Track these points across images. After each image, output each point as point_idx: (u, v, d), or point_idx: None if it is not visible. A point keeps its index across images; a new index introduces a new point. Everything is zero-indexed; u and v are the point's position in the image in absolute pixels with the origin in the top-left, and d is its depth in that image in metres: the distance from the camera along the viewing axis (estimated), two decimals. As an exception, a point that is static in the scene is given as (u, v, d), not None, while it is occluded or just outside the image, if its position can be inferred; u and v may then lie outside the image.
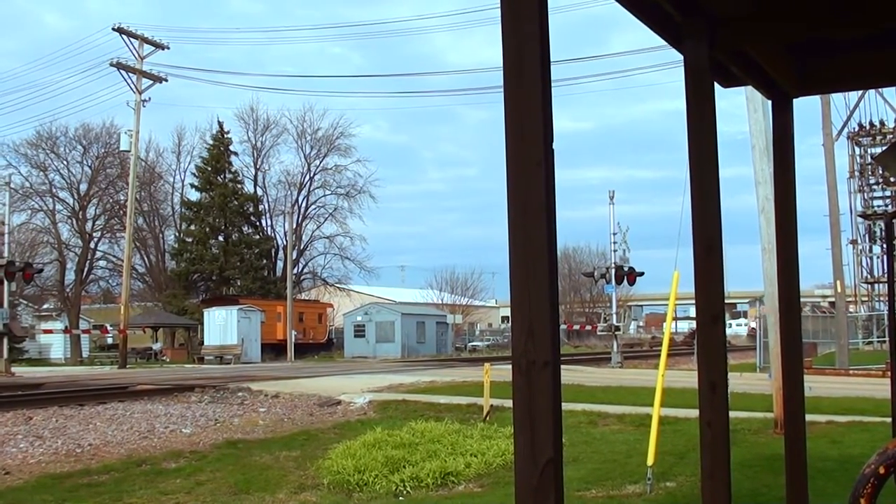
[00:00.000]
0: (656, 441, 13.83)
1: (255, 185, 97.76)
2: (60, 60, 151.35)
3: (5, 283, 51.20)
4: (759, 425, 19.08)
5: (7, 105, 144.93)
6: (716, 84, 5.04)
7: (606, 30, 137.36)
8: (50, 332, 77.01)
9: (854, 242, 71.80)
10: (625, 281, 53.51)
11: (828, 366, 39.30)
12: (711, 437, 4.65)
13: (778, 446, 7.62)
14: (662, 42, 4.80)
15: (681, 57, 4.68)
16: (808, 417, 6.64)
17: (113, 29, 63.69)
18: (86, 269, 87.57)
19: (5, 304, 51.56)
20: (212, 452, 19.27)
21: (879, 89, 54.97)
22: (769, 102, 6.31)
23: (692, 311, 6.22)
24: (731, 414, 5.69)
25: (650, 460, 13.68)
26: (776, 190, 6.15)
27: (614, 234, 52.56)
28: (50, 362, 73.30)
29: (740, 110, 19.73)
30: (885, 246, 73.70)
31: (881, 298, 71.31)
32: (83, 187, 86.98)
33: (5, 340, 51.05)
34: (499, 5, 3.01)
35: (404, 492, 15.08)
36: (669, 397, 15.71)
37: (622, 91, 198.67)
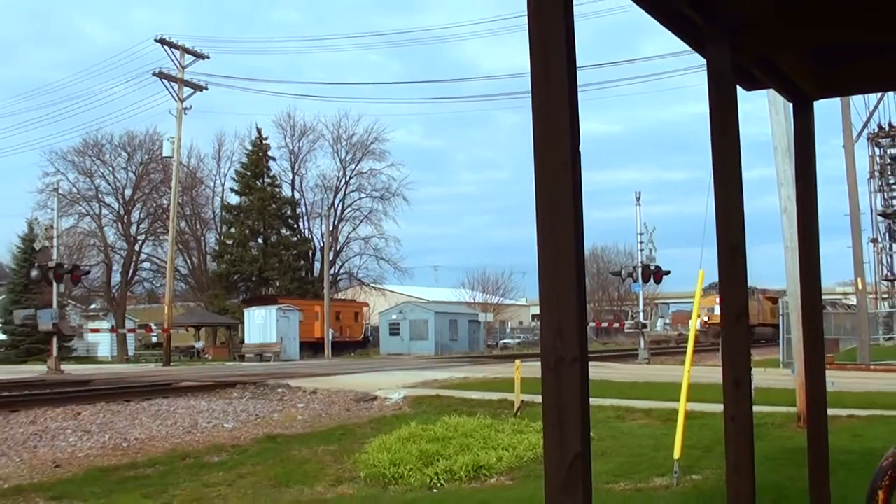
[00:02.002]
0: (683, 435, 13.78)
1: (293, 188, 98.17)
2: (106, 71, 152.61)
3: (54, 284, 51.46)
4: (782, 420, 18.98)
5: (55, 114, 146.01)
6: (738, 87, 5.02)
7: (636, 35, 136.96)
8: (97, 331, 77.48)
9: (875, 241, 71.42)
10: (651, 279, 53.37)
11: (849, 361, 39.05)
12: (736, 432, 4.63)
13: (801, 440, 7.58)
14: (688, 47, 4.78)
15: (704, 61, 4.66)
16: (830, 412, 6.60)
17: (155, 40, 64.02)
18: (131, 271, 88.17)
19: (54, 305, 51.83)
20: (252, 446, 19.32)
21: (898, 92, 54.61)
22: (790, 105, 6.28)
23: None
24: (755, 409, 5.66)
25: (677, 454, 13.63)
26: (798, 190, 6.11)
27: (641, 234, 52.39)
28: (97, 360, 73.81)
29: (763, 113, 19.59)
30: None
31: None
32: (128, 192, 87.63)
33: (55, 339, 51.33)
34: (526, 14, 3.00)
35: (438, 485, 15.08)
36: (695, 392, 15.64)
37: (651, 94, 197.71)
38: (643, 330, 53.35)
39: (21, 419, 22.81)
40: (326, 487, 15.49)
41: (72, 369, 51.14)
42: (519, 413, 21.69)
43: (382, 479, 15.52)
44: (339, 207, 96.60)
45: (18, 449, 18.75)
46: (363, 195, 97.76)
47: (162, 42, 64.02)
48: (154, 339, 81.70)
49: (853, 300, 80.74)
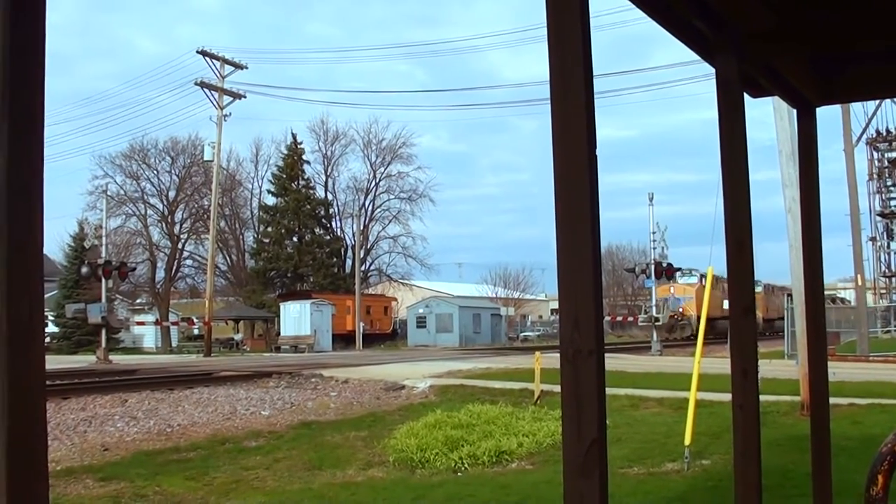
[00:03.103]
0: (693, 423, 13.77)
1: (326, 190, 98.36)
2: (152, 81, 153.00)
3: (103, 280, 51.68)
4: (787, 408, 18.92)
5: (104, 121, 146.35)
6: (745, 95, 5.01)
7: (649, 46, 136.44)
8: (143, 324, 77.76)
9: (873, 239, 71.07)
10: (663, 275, 53.24)
11: (850, 353, 38.88)
12: (743, 419, 4.62)
13: (804, 427, 7.55)
14: (697, 56, 4.78)
15: (713, 70, 4.65)
16: (832, 400, 6.58)
17: (197, 52, 64.18)
18: (174, 268, 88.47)
19: (103, 299, 52.03)
20: (288, 432, 19.37)
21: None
22: (794, 111, 6.26)
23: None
24: (762, 397, 5.64)
25: (687, 440, 13.61)
26: (801, 191, 6.10)
27: (654, 232, 52.28)
28: (143, 351, 73.99)
29: (769, 118, 19.55)
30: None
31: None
32: (171, 194, 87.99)
33: (103, 331, 51.53)
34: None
35: (462, 468, 15.09)
36: (705, 382, 15.60)
37: (663, 102, 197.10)
38: (656, 323, 53.16)
39: (72, 406, 22.92)
40: (357, 471, 15.52)
41: (119, 359, 51.35)
42: (539, 402, 21.67)
43: (410, 464, 15.55)
44: (370, 208, 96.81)
45: (70, 433, 18.84)
46: (392, 196, 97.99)
47: (203, 54, 64.17)
48: (196, 332, 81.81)
49: (843, 294, 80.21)
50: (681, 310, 75.53)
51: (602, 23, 53.81)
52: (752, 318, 4.75)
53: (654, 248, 52.62)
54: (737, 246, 4.67)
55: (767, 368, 21.59)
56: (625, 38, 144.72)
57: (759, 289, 75.14)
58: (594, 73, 3.02)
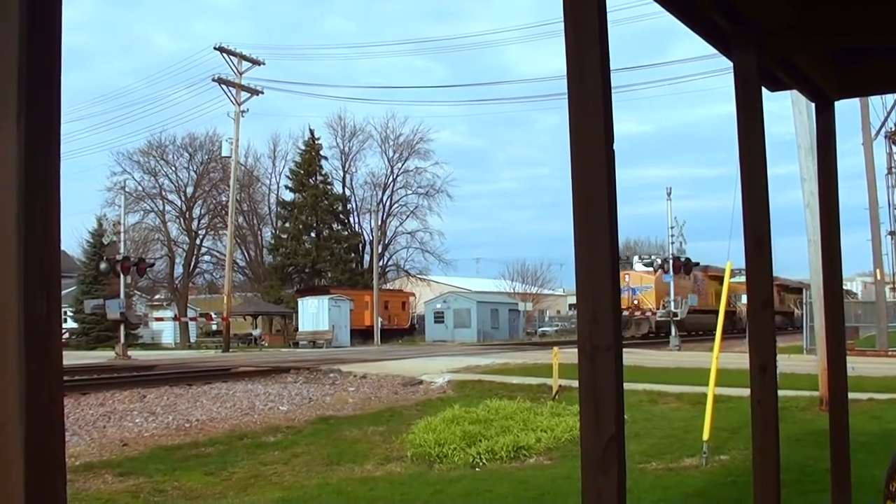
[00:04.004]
0: (711, 418, 13.74)
1: (344, 186, 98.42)
2: (169, 77, 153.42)
3: (121, 276, 51.89)
4: (805, 403, 18.88)
5: (122, 118, 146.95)
6: (763, 89, 4.99)
7: (667, 40, 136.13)
8: (161, 319, 78.05)
9: (893, 234, 70.67)
10: (682, 270, 53.12)
11: (869, 348, 38.75)
12: (762, 414, 4.60)
13: (823, 422, 7.53)
14: (715, 51, 4.76)
15: (731, 64, 4.63)
16: (851, 395, 6.56)
17: (214, 48, 64.32)
18: (192, 264, 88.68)
19: (122, 295, 52.24)
20: (306, 428, 19.40)
21: (915, 92, 54.03)
22: (813, 105, 6.24)
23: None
24: (780, 393, 5.63)
25: (706, 435, 13.59)
26: (820, 186, 6.08)
27: (672, 227, 52.18)
28: (161, 347, 74.24)
29: (788, 112, 19.50)
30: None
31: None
32: (189, 190, 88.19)
33: (122, 327, 51.74)
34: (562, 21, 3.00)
35: (480, 463, 15.10)
36: (723, 378, 15.60)
37: (681, 96, 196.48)
38: (674, 318, 52.99)
39: (91, 401, 23.01)
40: (376, 466, 15.54)
41: (138, 355, 51.54)
42: (557, 397, 21.67)
43: (428, 458, 15.56)
44: (387, 203, 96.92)
45: (89, 429, 18.92)
46: (409, 192, 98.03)
47: (221, 50, 64.31)
48: (214, 327, 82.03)
49: (849, 286, 79.63)
50: (636, 302, 69.16)
51: (619, 17, 53.73)
52: (771, 313, 4.73)
53: (672, 243, 52.51)
54: (755, 240, 4.65)
55: (786, 363, 21.58)
56: (643, 33, 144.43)
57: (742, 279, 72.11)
58: (612, 67, 3.02)
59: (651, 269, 65.99)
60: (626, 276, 67.16)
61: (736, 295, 63.91)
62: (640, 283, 69.66)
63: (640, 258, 69.32)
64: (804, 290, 67.06)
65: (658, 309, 66.20)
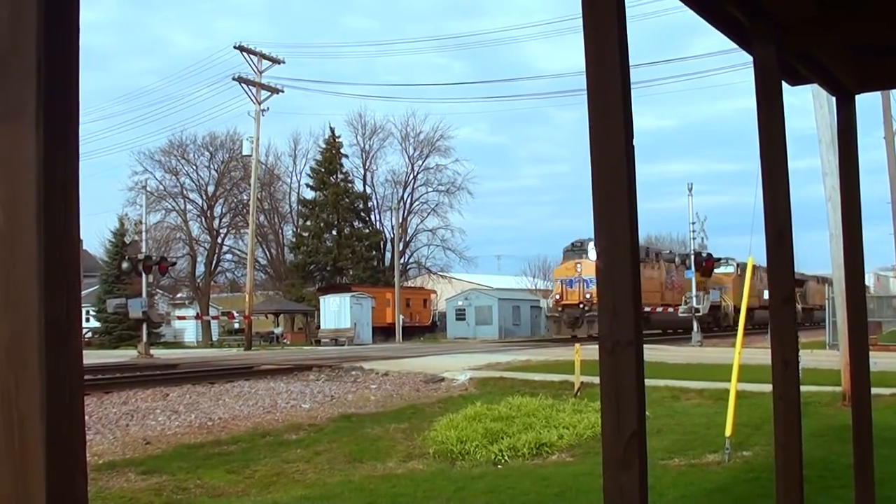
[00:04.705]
0: (734, 414, 13.70)
1: (364, 184, 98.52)
2: (190, 76, 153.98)
3: (143, 275, 52.05)
4: (828, 398, 18.81)
5: (143, 117, 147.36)
6: (784, 83, 4.97)
7: (687, 35, 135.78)
8: (183, 318, 78.27)
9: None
10: (703, 265, 52.93)
11: (892, 343, 38.57)
12: (784, 410, 4.59)
13: (846, 417, 7.50)
14: (735, 45, 4.75)
15: (751, 58, 4.62)
16: (874, 391, 6.54)
17: (234, 47, 64.40)
18: (214, 262, 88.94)
19: (144, 294, 52.41)
20: (328, 425, 19.43)
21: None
22: (833, 99, 6.22)
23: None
24: (803, 388, 5.61)
25: (728, 431, 13.55)
26: (841, 180, 6.06)
27: (693, 223, 51.96)
28: (183, 345, 74.50)
29: (809, 106, 19.44)
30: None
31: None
32: (210, 189, 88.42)
33: (144, 326, 51.92)
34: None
35: (502, 460, 15.09)
36: (745, 373, 15.53)
37: (701, 91, 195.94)
38: (696, 314, 52.74)
39: (114, 400, 23.09)
40: (398, 463, 15.56)
41: (160, 354, 51.70)
42: (579, 393, 21.64)
43: (450, 456, 15.57)
44: (408, 201, 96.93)
45: (112, 427, 18.98)
46: (430, 189, 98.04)
47: (241, 49, 64.41)
48: (236, 326, 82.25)
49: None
50: (588, 295, 57.38)
51: (638, 13, 53.62)
52: (793, 308, 4.72)
53: (694, 239, 52.30)
54: (776, 235, 4.64)
55: (808, 358, 21.49)
56: (662, 29, 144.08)
57: (729, 269, 66.61)
58: (631, 63, 3.01)
59: None
60: (579, 265, 60.93)
61: (723, 288, 62.23)
62: (594, 274, 63.87)
63: (594, 245, 64.70)
64: (805, 283, 65.94)
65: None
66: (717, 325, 63.43)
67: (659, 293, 63.21)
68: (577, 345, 23.89)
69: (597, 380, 3.26)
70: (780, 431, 4.59)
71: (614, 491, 2.91)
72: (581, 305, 58.83)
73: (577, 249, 62.40)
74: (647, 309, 57.57)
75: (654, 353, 32.53)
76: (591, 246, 57.95)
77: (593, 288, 53.09)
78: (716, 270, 57.10)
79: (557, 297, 62.20)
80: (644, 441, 2.94)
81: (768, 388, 4.83)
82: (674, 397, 20.93)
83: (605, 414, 2.96)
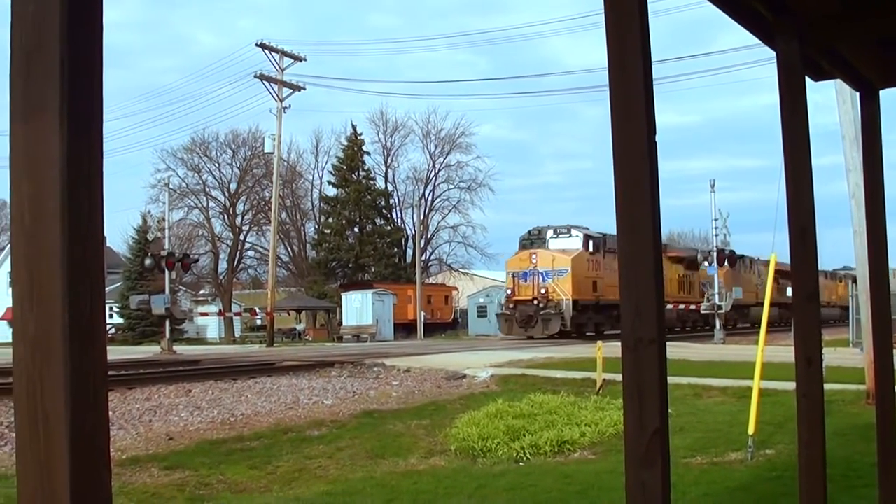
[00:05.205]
0: (757, 412, 13.65)
1: (386, 181, 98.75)
2: (212, 74, 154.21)
3: (166, 271, 52.27)
4: (852, 397, 18.71)
5: (166, 115, 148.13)
6: (807, 78, 4.95)
7: (710, 31, 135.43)
8: (206, 314, 78.56)
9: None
10: (726, 263, 52.73)
11: (918, 340, 38.31)
12: (807, 408, 4.58)
13: (870, 416, 7.45)
14: (758, 40, 4.73)
15: (774, 54, 4.60)
16: (899, 389, 6.49)
17: (256, 45, 64.50)
18: (236, 259, 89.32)
19: (167, 291, 52.62)
20: (350, 421, 19.44)
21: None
22: (857, 94, 6.19)
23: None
24: (826, 386, 5.59)
25: (751, 430, 13.50)
26: (865, 176, 6.04)
27: (716, 219, 51.73)
28: (206, 342, 74.76)
29: (832, 102, 19.33)
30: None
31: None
32: (233, 186, 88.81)
33: (167, 322, 52.15)
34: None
35: (524, 458, 15.07)
36: (769, 371, 15.47)
37: (724, 86, 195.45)
38: (718, 311, 52.49)
39: (137, 396, 23.18)
40: (419, 459, 15.55)
41: (183, 350, 51.89)
42: (601, 391, 21.60)
43: (472, 453, 15.55)
44: (429, 198, 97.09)
45: (135, 423, 19.05)
46: (451, 186, 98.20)
47: (262, 46, 64.48)
48: (258, 322, 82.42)
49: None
50: (544, 291, 53.39)
51: (661, 7, 53.44)
52: (816, 306, 4.70)
53: (717, 236, 52.07)
54: (800, 232, 4.63)
55: (832, 356, 21.39)
56: (685, 24, 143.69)
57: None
58: (654, 58, 3.00)
59: (576, 247, 54.95)
60: (534, 255, 54.35)
61: (704, 284, 59.20)
62: (551, 266, 53.65)
63: (555, 231, 56.39)
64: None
65: (568, 299, 52.81)
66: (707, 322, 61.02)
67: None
68: (600, 342, 23.83)
69: (619, 377, 3.25)
70: (804, 430, 4.57)
71: (637, 488, 2.91)
72: (535, 302, 53.09)
73: (533, 238, 57.22)
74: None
75: (676, 350, 32.45)
76: (549, 234, 55.72)
77: (550, 282, 52.87)
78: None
79: (509, 291, 55.87)
80: (666, 439, 2.93)
81: (791, 385, 4.81)
82: (696, 395, 20.87)
83: (628, 411, 2.96)
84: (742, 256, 61.92)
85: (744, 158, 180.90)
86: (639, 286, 2.94)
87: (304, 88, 66.30)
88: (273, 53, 64.98)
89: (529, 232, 58.56)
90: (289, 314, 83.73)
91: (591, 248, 55.74)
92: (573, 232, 55.76)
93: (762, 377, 14.21)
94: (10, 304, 2.25)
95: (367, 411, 20.77)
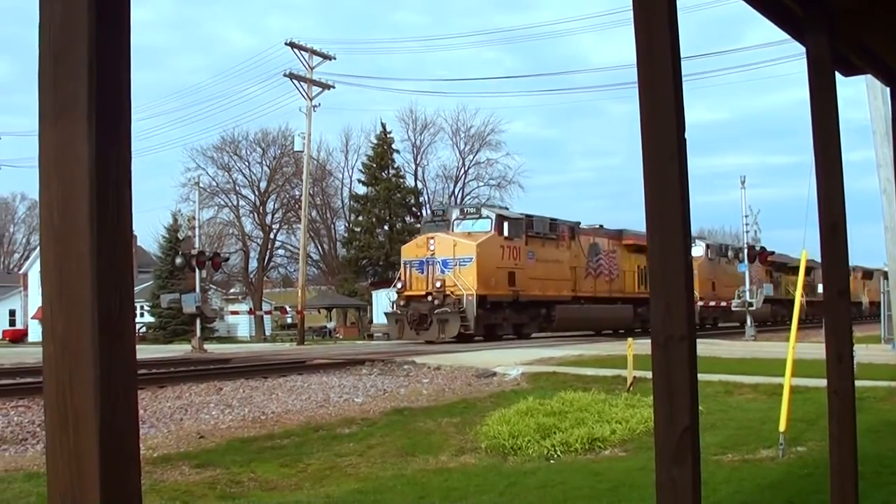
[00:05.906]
0: (788, 409, 13.59)
1: (416, 179, 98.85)
2: (242, 73, 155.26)
3: (197, 270, 52.41)
4: (883, 393, 18.59)
5: (196, 114, 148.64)
6: (837, 73, 4.92)
7: (739, 26, 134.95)
8: (236, 313, 78.95)
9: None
10: (757, 260, 52.51)
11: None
12: (839, 405, 4.56)
13: (903, 413, 7.43)
14: (787, 36, 4.71)
15: (804, 49, 4.58)
16: (932, 385, 6.47)
17: (285, 44, 64.67)
18: (267, 257, 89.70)
19: (197, 289, 52.77)
20: (381, 419, 19.46)
21: None
22: (888, 89, 6.15)
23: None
24: (857, 383, 5.56)
25: (782, 427, 13.44)
26: (897, 172, 6.00)
27: (746, 216, 51.49)
28: (237, 340, 75.13)
29: (863, 97, 19.22)
30: None
31: None
32: (263, 185, 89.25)
33: (198, 321, 52.28)
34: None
35: (555, 456, 15.06)
36: (800, 368, 15.38)
37: (754, 82, 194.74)
38: (750, 308, 52.20)
39: (168, 394, 23.25)
40: (450, 457, 15.56)
41: (213, 348, 52.05)
42: (631, 388, 21.53)
43: (502, 450, 15.55)
44: (459, 196, 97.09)
45: (166, 421, 19.12)
46: (481, 184, 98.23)
47: (291, 45, 64.65)
48: (289, 320, 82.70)
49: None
50: (440, 284, 43.08)
51: (690, 4, 53.23)
52: (847, 302, 4.68)
53: (747, 232, 51.81)
54: (830, 228, 4.60)
55: (863, 353, 21.25)
56: (715, 20, 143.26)
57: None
58: (683, 54, 2.99)
59: (484, 229, 44.46)
60: (432, 241, 44.14)
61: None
62: (452, 254, 43.05)
63: (463, 211, 46.88)
64: (814, 272, 64.75)
65: (471, 294, 42.75)
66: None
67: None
68: (630, 339, 23.76)
69: (649, 374, 3.24)
70: (835, 426, 4.55)
71: (667, 485, 2.90)
72: (430, 298, 43.11)
73: (437, 221, 47.61)
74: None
75: (706, 347, 32.33)
76: (454, 215, 46.26)
77: (448, 274, 42.40)
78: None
79: (399, 285, 45.32)
80: (697, 436, 2.92)
81: (823, 382, 4.79)
82: (727, 392, 20.77)
83: (658, 409, 2.95)
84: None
85: (775, 155, 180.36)
86: (669, 283, 2.93)
87: (334, 87, 66.54)
88: (302, 52, 65.16)
89: (433, 211, 51.40)
90: (319, 312, 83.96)
91: (506, 232, 45.14)
92: (484, 212, 46.40)
93: (793, 374, 14.15)
94: (40, 304, 2.27)
95: (398, 409, 20.79)
